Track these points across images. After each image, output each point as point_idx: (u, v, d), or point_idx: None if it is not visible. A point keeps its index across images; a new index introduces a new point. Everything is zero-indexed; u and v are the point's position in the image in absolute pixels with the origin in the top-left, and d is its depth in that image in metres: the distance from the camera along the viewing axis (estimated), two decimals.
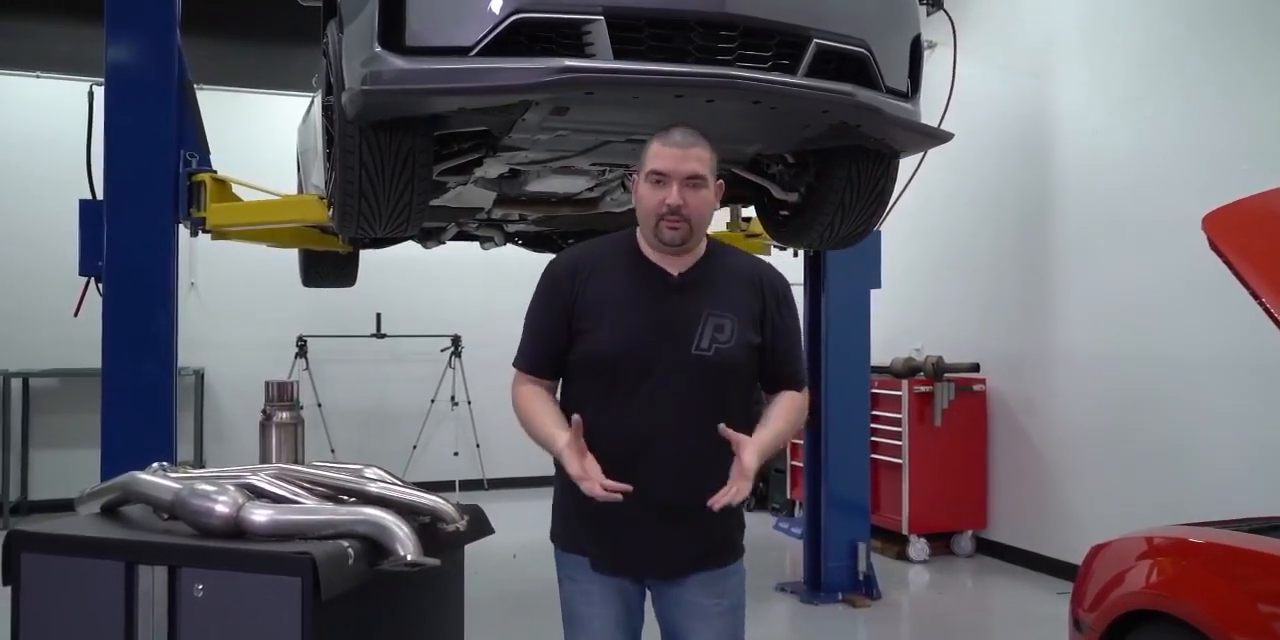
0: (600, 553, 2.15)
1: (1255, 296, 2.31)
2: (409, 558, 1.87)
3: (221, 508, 1.88)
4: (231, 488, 1.94)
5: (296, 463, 2.29)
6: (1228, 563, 2.33)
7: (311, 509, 1.95)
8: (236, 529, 1.89)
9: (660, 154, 2.09)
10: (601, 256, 2.23)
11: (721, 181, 2.19)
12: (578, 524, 2.19)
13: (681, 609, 2.15)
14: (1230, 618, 2.15)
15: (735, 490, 1.95)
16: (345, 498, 2.09)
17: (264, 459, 2.32)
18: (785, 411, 2.18)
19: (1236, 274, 2.37)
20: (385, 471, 2.17)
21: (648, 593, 2.22)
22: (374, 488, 2.06)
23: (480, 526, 2.25)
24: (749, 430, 2.09)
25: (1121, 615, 2.47)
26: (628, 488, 1.94)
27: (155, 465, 2.29)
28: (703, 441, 2.04)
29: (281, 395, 2.33)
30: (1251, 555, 2.27)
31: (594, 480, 1.94)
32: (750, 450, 1.99)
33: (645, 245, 2.19)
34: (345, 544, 1.87)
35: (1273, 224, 2.49)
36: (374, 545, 1.91)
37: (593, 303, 2.14)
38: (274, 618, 1.80)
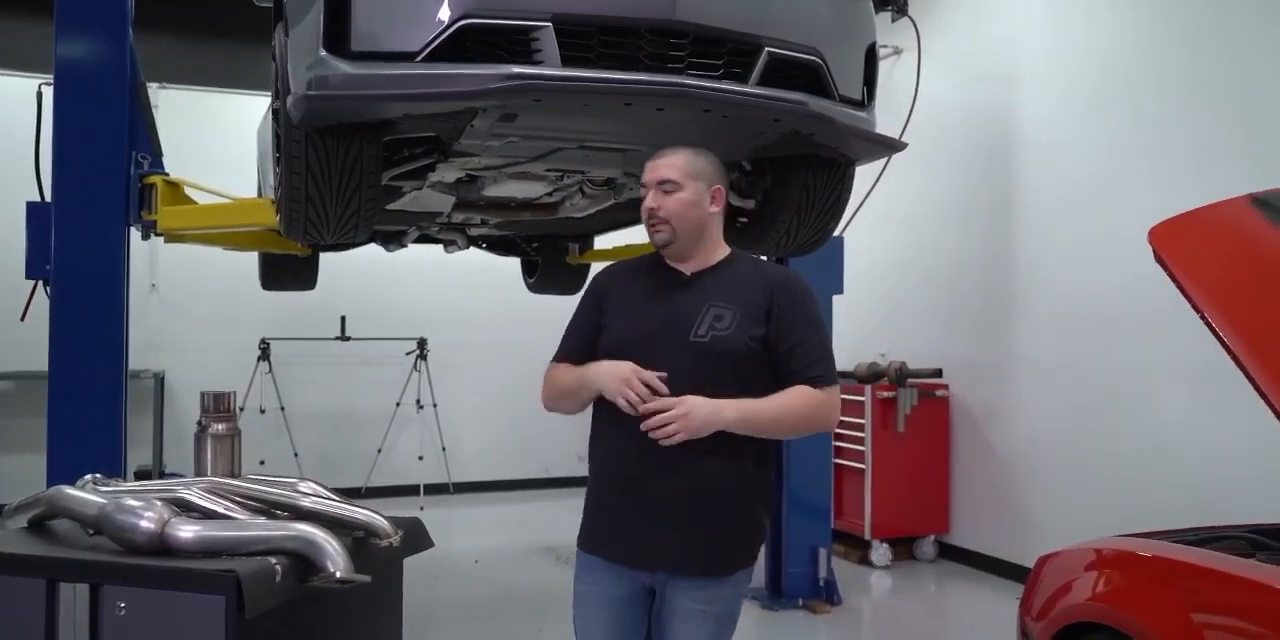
0: (598, 538, 2.25)
1: (1196, 309, 2.32)
2: (339, 574, 1.84)
3: (146, 524, 1.84)
4: (158, 503, 1.90)
5: (232, 476, 2.24)
6: (1168, 576, 2.34)
7: (239, 524, 1.91)
8: (162, 545, 1.85)
9: (645, 167, 2.30)
10: (633, 265, 2.43)
11: (718, 187, 2.31)
12: (591, 516, 2.29)
13: (671, 609, 2.19)
14: (1168, 632, 2.15)
15: (670, 412, 2.02)
16: (278, 512, 2.05)
17: (199, 472, 2.27)
18: (785, 395, 2.15)
19: (1180, 287, 2.38)
20: (320, 486, 2.13)
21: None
22: (306, 502, 2.03)
23: (417, 540, 2.21)
24: (748, 438, 2.16)
25: (1066, 626, 2.48)
26: (663, 374, 2.08)
27: (87, 478, 2.25)
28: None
29: (218, 406, 2.29)
30: (1188, 568, 2.28)
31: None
32: (706, 397, 2.06)
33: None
34: (273, 560, 1.83)
35: (1216, 238, 2.51)
36: (304, 561, 1.87)
37: (614, 301, 2.32)
38: (197, 636, 1.76)
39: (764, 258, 3.23)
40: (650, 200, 2.24)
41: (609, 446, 2.25)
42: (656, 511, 2.16)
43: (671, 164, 2.25)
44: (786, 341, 2.19)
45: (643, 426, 2.04)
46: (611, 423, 2.21)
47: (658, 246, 2.29)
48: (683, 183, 2.24)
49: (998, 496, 5.75)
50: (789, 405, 2.14)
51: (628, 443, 2.13)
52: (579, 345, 2.32)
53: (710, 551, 2.17)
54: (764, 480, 2.27)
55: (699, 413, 2.02)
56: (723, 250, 2.34)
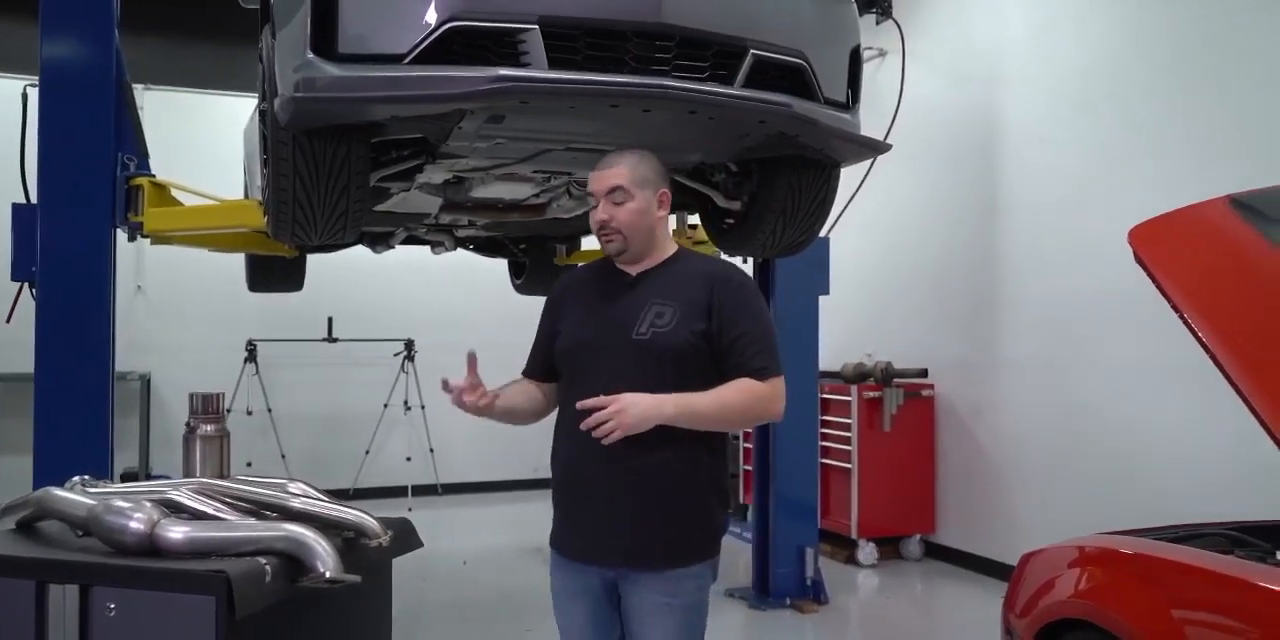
0: (560, 535, 2.31)
1: (1176, 310, 2.36)
2: (328, 574, 1.84)
3: (136, 525, 1.85)
4: (148, 504, 1.90)
5: (221, 477, 2.25)
6: (1149, 573, 2.36)
7: (229, 525, 1.92)
8: (151, 546, 1.85)
9: (589, 179, 2.32)
10: (583, 273, 2.50)
11: (664, 191, 2.36)
12: (555, 514, 2.33)
13: (636, 606, 2.20)
14: (1150, 628, 2.18)
15: (606, 408, 2.02)
16: (268, 513, 2.06)
17: (188, 473, 2.27)
18: (725, 388, 2.16)
19: (1159, 287, 2.41)
20: (310, 486, 2.14)
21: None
22: (296, 503, 2.03)
23: (407, 540, 2.22)
24: (697, 431, 2.18)
25: (1049, 623, 2.50)
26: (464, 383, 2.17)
27: (75, 479, 2.25)
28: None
29: (206, 408, 2.29)
30: (1170, 564, 2.31)
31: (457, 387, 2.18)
32: (646, 394, 2.07)
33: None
34: (263, 561, 1.83)
35: (1195, 239, 2.54)
36: (294, 562, 1.88)
37: (567, 308, 2.39)
38: (188, 637, 1.76)
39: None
40: (601, 212, 2.26)
41: (563, 445, 2.29)
42: (608, 507, 2.19)
43: (619, 173, 2.26)
44: (729, 334, 2.20)
45: (581, 426, 2.05)
46: (565, 422, 2.27)
47: (610, 255, 2.32)
48: (632, 191, 2.26)
49: (983, 496, 5.78)
50: (730, 397, 2.15)
51: (578, 441, 2.16)
52: (540, 357, 2.42)
53: (666, 543, 2.18)
54: (716, 470, 2.28)
55: (634, 410, 2.03)
56: (669, 249, 2.37)
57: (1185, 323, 2.35)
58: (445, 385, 2.19)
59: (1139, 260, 2.51)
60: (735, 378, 2.18)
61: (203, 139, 7.21)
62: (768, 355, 2.21)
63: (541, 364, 2.41)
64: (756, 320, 2.24)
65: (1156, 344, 4.57)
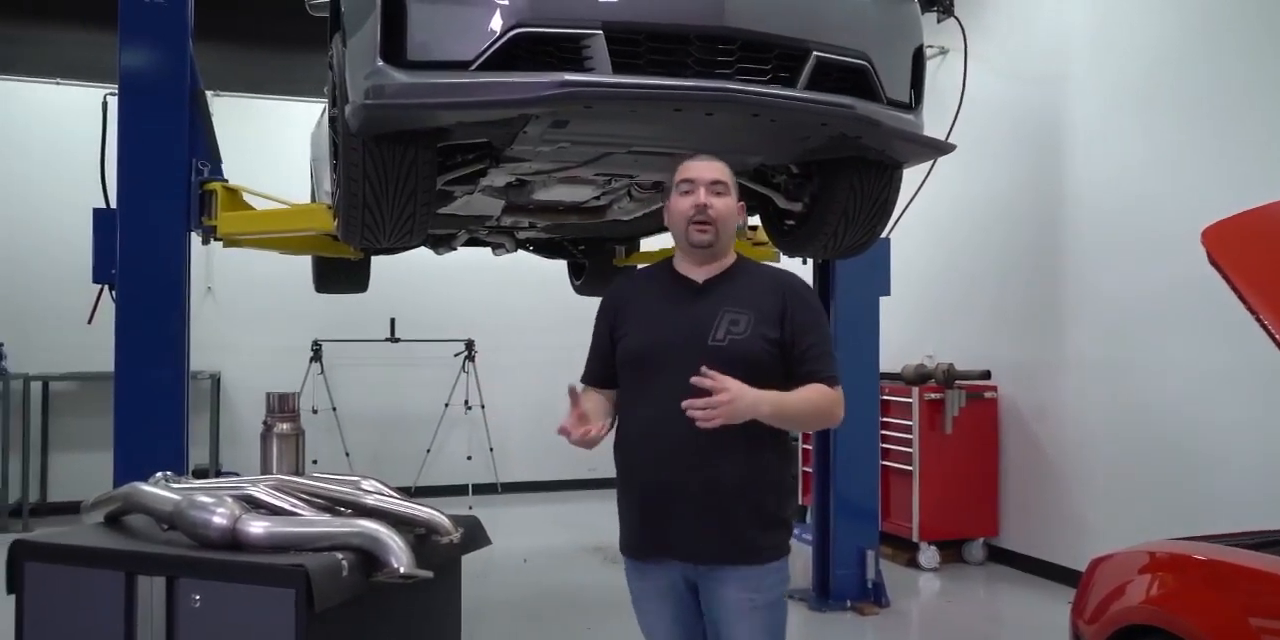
0: (632, 540, 2.33)
1: (1252, 311, 2.31)
2: (402, 570, 1.90)
3: (219, 520, 1.92)
4: (230, 499, 1.98)
5: (296, 474, 2.32)
6: (1224, 579, 2.32)
7: (307, 521, 1.98)
8: (233, 540, 1.92)
9: (687, 167, 2.36)
10: (642, 277, 2.57)
11: (742, 203, 2.43)
12: (621, 519, 2.36)
13: (720, 605, 2.24)
14: (1225, 636, 2.14)
15: (715, 396, 2.00)
16: (343, 509, 2.12)
17: (264, 469, 2.35)
18: (805, 390, 2.23)
19: (1234, 289, 2.36)
20: (382, 484, 2.19)
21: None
22: (370, 500, 2.09)
23: (476, 538, 2.27)
24: (771, 435, 2.25)
25: (1119, 630, 2.47)
26: (591, 431, 2.12)
27: (158, 475, 2.33)
28: (716, 429, 2.12)
29: (282, 406, 2.37)
30: (1247, 572, 2.26)
31: (569, 430, 2.11)
32: (751, 388, 2.08)
33: (679, 262, 2.41)
34: (339, 556, 1.89)
35: (1270, 239, 2.48)
36: (368, 557, 1.94)
37: (629, 313, 2.40)
38: (269, 628, 1.83)
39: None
40: (703, 197, 2.29)
41: (635, 450, 2.31)
42: (689, 508, 2.21)
43: (718, 168, 2.33)
44: (802, 343, 2.28)
45: (684, 404, 2.04)
46: (635, 425, 2.31)
47: (698, 246, 2.32)
48: (730, 188, 2.33)
49: (1047, 499, 5.69)
50: (813, 401, 2.23)
51: (656, 445, 2.22)
52: (599, 364, 2.43)
53: (747, 540, 2.23)
54: (784, 472, 2.36)
55: (741, 403, 2.04)
56: (731, 257, 2.41)
57: (1261, 324, 2.30)
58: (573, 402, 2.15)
59: (1213, 261, 2.46)
60: (807, 383, 2.25)
61: (267, 143, 7.39)
62: (834, 365, 2.31)
63: (602, 369, 2.42)
64: (824, 331, 2.35)
65: (1224, 345, 4.47)
